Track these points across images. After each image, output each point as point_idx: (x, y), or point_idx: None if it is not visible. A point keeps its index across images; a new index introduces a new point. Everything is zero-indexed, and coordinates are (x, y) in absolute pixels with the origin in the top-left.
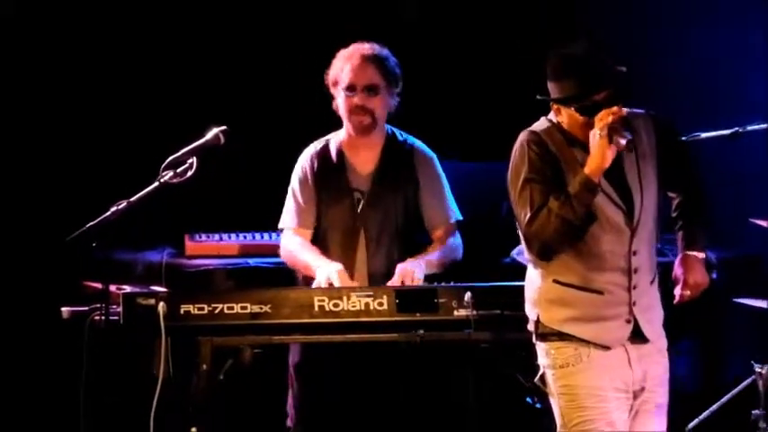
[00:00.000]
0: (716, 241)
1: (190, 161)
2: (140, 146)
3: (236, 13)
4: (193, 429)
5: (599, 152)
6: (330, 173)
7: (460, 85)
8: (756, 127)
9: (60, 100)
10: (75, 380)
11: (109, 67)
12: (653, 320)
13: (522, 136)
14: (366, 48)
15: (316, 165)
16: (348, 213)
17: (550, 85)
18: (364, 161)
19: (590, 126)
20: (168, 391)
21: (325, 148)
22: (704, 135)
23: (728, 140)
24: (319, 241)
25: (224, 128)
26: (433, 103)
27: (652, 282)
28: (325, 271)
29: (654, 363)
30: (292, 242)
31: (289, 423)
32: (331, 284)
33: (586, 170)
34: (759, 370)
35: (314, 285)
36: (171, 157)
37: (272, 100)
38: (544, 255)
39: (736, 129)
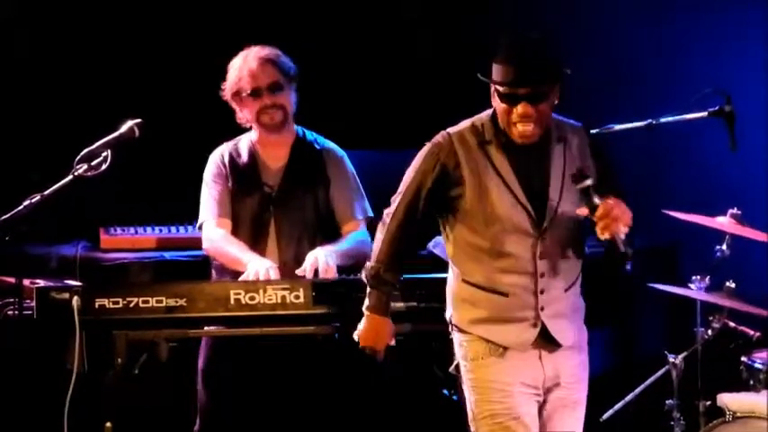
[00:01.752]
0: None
1: (104, 154)
2: (53, 138)
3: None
4: (108, 424)
5: None
6: (242, 168)
7: (378, 73)
8: (670, 119)
9: None
10: None
11: (19, 60)
12: (566, 328)
13: (436, 138)
14: (258, 50)
15: (227, 159)
16: (258, 207)
17: (493, 67)
18: (274, 158)
19: (506, 116)
20: (83, 386)
21: (237, 146)
22: (618, 127)
23: (643, 131)
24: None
25: (138, 120)
26: (350, 92)
27: (567, 289)
28: (257, 266)
29: (567, 359)
30: (216, 234)
31: (196, 428)
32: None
33: None
34: (672, 360)
35: (242, 279)
36: (85, 150)
37: (187, 90)
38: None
39: (650, 120)
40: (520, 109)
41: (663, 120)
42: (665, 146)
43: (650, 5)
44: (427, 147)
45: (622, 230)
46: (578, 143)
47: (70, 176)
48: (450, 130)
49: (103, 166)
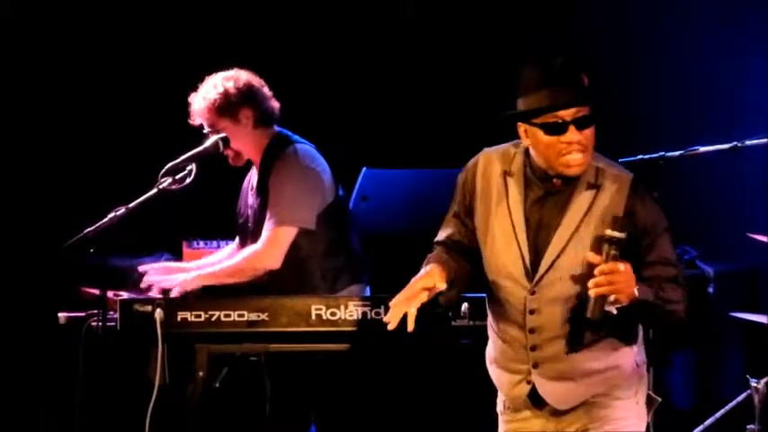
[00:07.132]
0: (714, 255)
1: (189, 168)
2: (139, 152)
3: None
4: None
5: None
6: (243, 193)
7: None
8: (756, 141)
9: (59, 105)
10: (71, 386)
11: (109, 72)
12: (566, 392)
13: (471, 160)
14: (193, 95)
15: (245, 182)
16: (241, 232)
17: (519, 102)
18: (253, 182)
19: (552, 149)
20: (164, 398)
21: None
22: (703, 149)
23: (728, 154)
24: None
25: (223, 135)
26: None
27: (572, 351)
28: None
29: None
30: None
31: None
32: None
33: None
34: (755, 384)
35: None
36: (170, 164)
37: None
38: None
39: (735, 143)
40: (569, 136)
41: (748, 142)
42: (749, 168)
43: (736, 32)
44: (461, 172)
45: (609, 301)
46: (615, 192)
47: (155, 189)
48: (485, 151)
49: (188, 180)
